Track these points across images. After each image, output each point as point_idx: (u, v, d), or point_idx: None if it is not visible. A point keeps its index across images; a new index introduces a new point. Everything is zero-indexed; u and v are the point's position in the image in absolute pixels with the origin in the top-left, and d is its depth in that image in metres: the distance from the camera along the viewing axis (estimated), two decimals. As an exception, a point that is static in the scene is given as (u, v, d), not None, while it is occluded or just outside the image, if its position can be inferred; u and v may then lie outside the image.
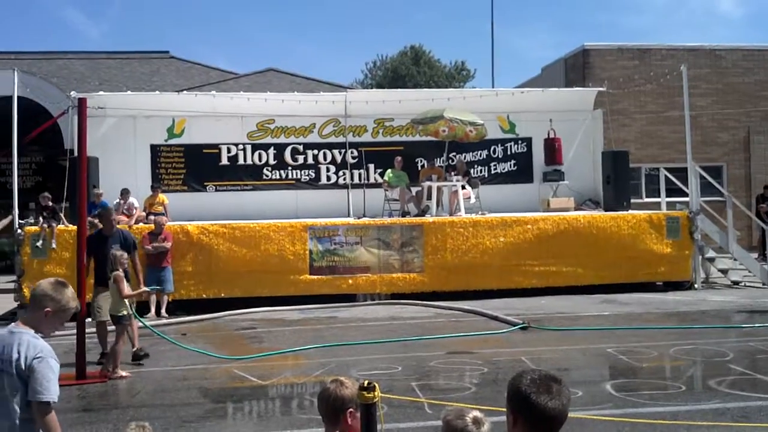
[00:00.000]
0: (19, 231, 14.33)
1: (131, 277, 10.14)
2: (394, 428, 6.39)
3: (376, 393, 3.52)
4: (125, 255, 9.84)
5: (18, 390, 3.56)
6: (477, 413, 3.26)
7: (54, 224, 14.31)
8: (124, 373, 9.21)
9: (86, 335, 9.33)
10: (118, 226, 11.08)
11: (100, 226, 10.61)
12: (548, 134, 18.20)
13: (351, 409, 3.47)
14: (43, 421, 3.54)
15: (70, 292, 3.79)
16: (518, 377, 2.53)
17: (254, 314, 13.95)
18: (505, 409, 2.57)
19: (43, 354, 3.59)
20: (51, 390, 3.55)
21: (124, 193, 15.27)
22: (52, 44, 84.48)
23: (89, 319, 9.86)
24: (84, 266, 9.66)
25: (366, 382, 3.56)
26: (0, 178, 22.99)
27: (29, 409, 3.56)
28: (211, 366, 9.67)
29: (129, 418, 7.04)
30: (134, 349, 9.96)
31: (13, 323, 3.76)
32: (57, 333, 12.67)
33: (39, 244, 14.12)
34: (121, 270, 9.54)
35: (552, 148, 18.11)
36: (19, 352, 3.58)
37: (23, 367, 3.56)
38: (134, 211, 15.19)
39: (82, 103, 9.91)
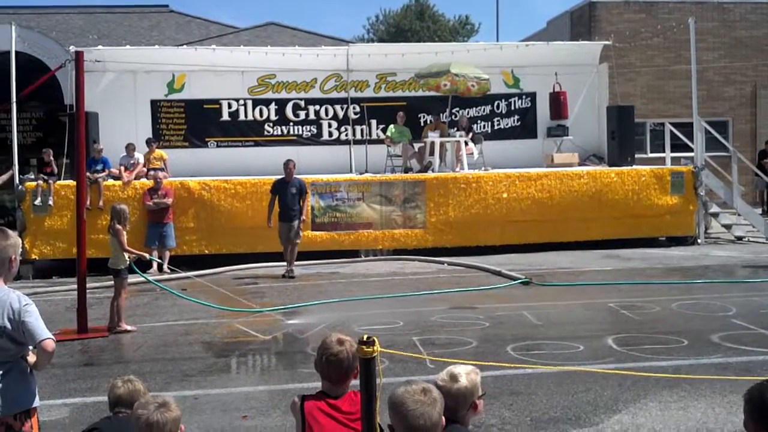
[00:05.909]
0: (20, 187, 14.29)
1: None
2: (395, 382, 6.34)
3: (375, 348, 3.49)
4: (126, 211, 9.72)
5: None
6: (455, 369, 3.28)
7: (51, 181, 14.27)
8: (129, 327, 9.20)
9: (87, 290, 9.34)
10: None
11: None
12: (553, 88, 17.83)
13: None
14: (51, 354, 3.68)
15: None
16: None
17: (256, 270, 13.96)
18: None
19: (27, 301, 3.74)
20: (45, 327, 3.72)
21: (129, 147, 15.12)
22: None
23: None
24: (84, 221, 9.64)
25: (365, 337, 3.53)
26: (0, 133, 22.81)
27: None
28: (213, 320, 9.70)
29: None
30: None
31: None
32: (57, 288, 12.65)
33: (37, 201, 14.12)
34: (119, 224, 9.41)
35: (557, 102, 17.69)
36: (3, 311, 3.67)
37: (14, 320, 3.64)
38: (137, 166, 15.05)
39: (79, 57, 9.79)
